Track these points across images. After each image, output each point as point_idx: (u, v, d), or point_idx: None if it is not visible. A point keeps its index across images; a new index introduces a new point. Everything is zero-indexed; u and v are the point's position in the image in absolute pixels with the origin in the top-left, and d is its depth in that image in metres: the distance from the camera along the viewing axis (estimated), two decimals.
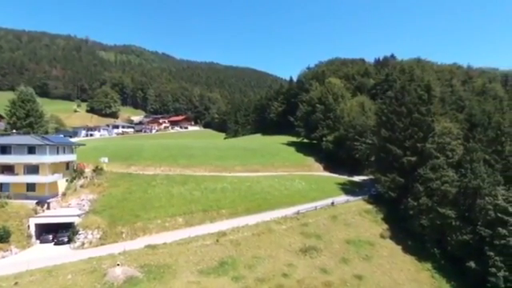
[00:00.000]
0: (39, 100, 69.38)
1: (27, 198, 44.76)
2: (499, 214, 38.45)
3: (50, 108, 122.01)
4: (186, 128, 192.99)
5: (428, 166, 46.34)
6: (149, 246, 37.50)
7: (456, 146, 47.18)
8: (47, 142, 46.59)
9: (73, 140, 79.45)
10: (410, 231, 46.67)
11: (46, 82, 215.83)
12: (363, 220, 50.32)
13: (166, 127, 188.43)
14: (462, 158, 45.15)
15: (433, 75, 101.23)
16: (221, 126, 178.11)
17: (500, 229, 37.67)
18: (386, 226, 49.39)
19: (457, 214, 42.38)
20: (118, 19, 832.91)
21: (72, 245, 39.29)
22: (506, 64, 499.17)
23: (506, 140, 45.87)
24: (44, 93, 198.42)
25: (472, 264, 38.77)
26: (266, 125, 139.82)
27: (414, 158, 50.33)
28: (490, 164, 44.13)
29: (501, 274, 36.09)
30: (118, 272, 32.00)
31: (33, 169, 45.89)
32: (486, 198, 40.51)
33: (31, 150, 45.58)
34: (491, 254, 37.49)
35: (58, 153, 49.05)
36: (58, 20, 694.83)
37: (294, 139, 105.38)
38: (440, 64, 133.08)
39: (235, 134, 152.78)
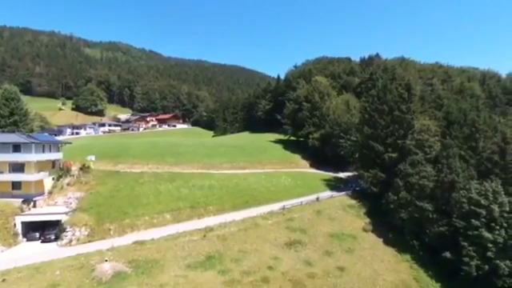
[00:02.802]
0: (22, 98, 68.38)
1: (13, 196, 44.65)
2: (472, 207, 40.51)
3: (34, 106, 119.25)
4: (174, 126, 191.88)
5: (407, 162, 48.33)
6: (137, 242, 38.14)
7: (434, 142, 49.32)
8: (32, 140, 46.41)
9: (58, 138, 78.57)
10: (390, 224, 48.59)
11: (30, 79, 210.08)
12: (347, 214, 52.10)
13: (153, 125, 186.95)
14: (439, 154, 47.26)
15: (415, 74, 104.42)
16: (209, 124, 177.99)
17: (473, 220, 39.76)
18: (368, 220, 51.32)
19: (434, 207, 44.44)
20: (103, 15, 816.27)
21: (59, 242, 39.53)
22: (486, 63, 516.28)
23: (479, 137, 48.30)
24: (27, 90, 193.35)
25: (447, 254, 40.76)
26: (253, 123, 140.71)
27: (394, 155, 52.39)
28: (464, 159, 46.41)
29: (473, 262, 38.14)
30: (106, 267, 32.59)
31: (18, 167, 45.76)
32: (461, 192, 42.61)
33: (16, 148, 45.41)
34: (465, 244, 39.51)
35: (43, 151, 48.88)
36: (40, 16, 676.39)
37: (282, 137, 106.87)
38: (423, 63, 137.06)
39: (223, 132, 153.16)
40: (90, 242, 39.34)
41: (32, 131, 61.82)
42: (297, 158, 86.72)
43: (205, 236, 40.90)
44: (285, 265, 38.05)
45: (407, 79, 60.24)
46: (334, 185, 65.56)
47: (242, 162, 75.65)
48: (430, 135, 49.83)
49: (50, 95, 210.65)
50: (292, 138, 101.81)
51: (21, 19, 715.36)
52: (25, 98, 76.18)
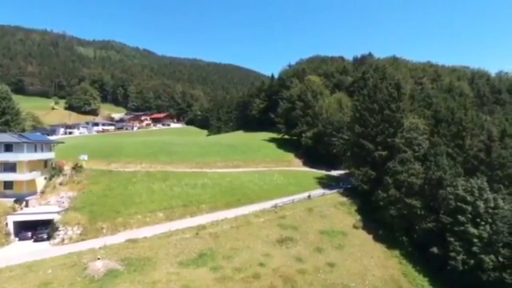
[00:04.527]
0: (14, 97, 68.09)
1: (5, 196, 44.68)
2: (459, 203, 41.57)
3: (26, 105, 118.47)
4: (169, 125, 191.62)
5: (397, 160, 49.24)
6: (129, 240, 38.45)
7: (422, 140, 50.30)
8: (24, 140, 46.40)
9: (51, 138, 78.30)
10: (380, 221, 49.33)
11: (22, 78, 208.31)
12: (337, 212, 52.87)
13: (147, 124, 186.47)
14: (427, 152, 48.31)
15: (407, 73, 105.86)
16: (203, 123, 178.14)
17: (459, 216, 40.79)
18: (358, 217, 52.09)
19: (422, 204, 45.39)
20: (96, 13, 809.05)
21: (52, 241, 39.64)
22: (480, 63, 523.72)
23: (466, 135, 49.43)
24: (19, 89, 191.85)
25: (435, 249, 41.75)
26: (248, 122, 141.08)
27: (384, 153, 53.21)
28: (452, 157, 47.47)
29: (460, 257, 39.16)
30: (99, 265, 32.84)
31: (10, 167, 45.71)
32: (448, 189, 43.64)
33: (8, 147, 45.37)
34: (451, 239, 40.54)
35: (35, 150, 48.87)
36: (32, 14, 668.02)
37: (275, 135, 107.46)
38: (414, 62, 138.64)
39: (218, 131, 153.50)
40: (82, 240, 39.48)
41: (24, 131, 61.64)
42: (290, 156, 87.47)
43: (197, 234, 41.33)
44: (276, 261, 38.56)
45: (397, 78, 61.14)
46: (326, 183, 66.28)
47: (235, 160, 76.19)
48: (418, 133, 50.81)
49: (43, 94, 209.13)
50: (285, 136, 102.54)
51: (12, 18, 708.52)
52: (17, 98, 75.95)
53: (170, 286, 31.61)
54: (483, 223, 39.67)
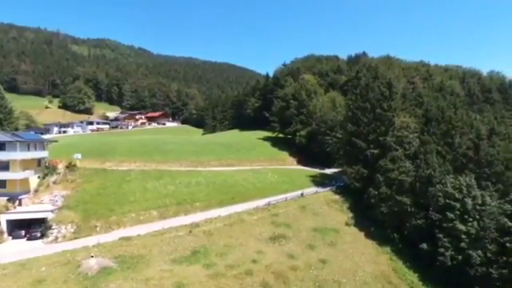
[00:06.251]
0: (7, 96, 67.90)
1: None
2: (447, 200, 42.46)
3: (19, 104, 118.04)
4: (164, 124, 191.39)
5: (388, 158, 50.02)
6: (123, 238, 38.66)
7: (413, 139, 51.17)
8: (17, 139, 46.32)
9: (45, 137, 78.07)
10: (372, 218, 50.16)
11: (15, 76, 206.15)
12: (330, 209, 53.53)
13: (142, 123, 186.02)
14: (417, 150, 49.18)
15: (400, 73, 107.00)
16: (199, 122, 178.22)
17: (448, 213, 41.69)
18: (351, 215, 52.76)
19: (412, 201, 46.23)
20: (91, 11, 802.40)
21: (45, 239, 39.66)
22: (469, 62, 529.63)
23: (455, 133, 50.37)
24: (12, 88, 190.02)
25: (424, 246, 42.61)
26: (243, 120, 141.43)
27: (376, 151, 53.95)
28: (441, 155, 48.37)
29: (448, 253, 40.10)
30: (92, 263, 33.02)
31: (3, 166, 45.55)
32: (437, 186, 44.49)
33: (1, 146, 45.23)
34: (440, 236, 41.44)
35: (28, 149, 48.80)
36: (26, 12, 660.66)
37: (270, 134, 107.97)
38: (408, 61, 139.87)
39: (213, 130, 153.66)
40: (76, 238, 39.56)
41: (17, 129, 61.57)
42: (284, 155, 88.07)
43: (191, 232, 41.65)
44: (268, 258, 39.02)
45: (389, 78, 61.96)
46: (320, 181, 66.95)
47: (229, 159, 76.58)
48: (409, 132, 51.64)
49: (37, 93, 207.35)
50: (280, 135, 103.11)
51: (5, 15, 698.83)
52: (10, 96, 75.64)
53: (162, 282, 31.91)
54: (471, 220, 40.62)
